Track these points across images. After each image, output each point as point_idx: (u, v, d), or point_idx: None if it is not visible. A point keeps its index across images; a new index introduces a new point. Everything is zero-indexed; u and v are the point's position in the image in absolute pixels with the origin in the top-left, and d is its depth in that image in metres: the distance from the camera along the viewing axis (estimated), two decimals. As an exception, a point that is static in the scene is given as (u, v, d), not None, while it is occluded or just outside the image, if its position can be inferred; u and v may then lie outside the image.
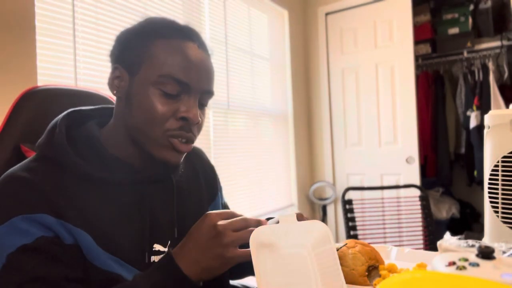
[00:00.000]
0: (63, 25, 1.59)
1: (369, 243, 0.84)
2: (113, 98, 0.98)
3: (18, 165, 0.67)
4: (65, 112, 0.73)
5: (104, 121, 0.76)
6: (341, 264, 0.77)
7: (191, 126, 0.69)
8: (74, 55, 1.62)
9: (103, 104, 0.85)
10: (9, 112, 0.82)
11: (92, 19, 1.70)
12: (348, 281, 0.75)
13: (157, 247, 0.72)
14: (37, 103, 0.85)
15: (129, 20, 1.86)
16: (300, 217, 0.71)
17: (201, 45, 0.71)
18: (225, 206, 0.95)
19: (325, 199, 3.36)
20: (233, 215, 0.64)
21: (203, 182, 0.86)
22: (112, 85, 0.71)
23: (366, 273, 0.76)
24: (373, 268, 0.78)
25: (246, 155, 2.70)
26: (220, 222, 0.62)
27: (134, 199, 0.69)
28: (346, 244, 0.81)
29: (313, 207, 3.44)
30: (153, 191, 0.72)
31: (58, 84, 0.99)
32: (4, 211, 0.61)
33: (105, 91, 0.91)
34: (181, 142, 0.69)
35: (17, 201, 0.61)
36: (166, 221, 0.74)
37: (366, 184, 3.18)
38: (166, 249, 0.72)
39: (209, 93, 0.72)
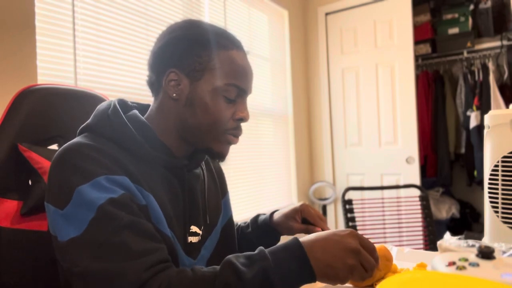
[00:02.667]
0: (63, 25, 1.59)
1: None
2: (108, 98, 0.99)
3: (77, 139, 0.70)
4: (114, 99, 0.79)
5: (141, 113, 0.82)
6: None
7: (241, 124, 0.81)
8: (74, 55, 1.62)
9: (99, 103, 0.89)
10: (6, 110, 0.82)
11: (92, 19, 1.70)
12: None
13: (194, 228, 0.80)
14: (34, 102, 0.85)
15: (129, 20, 1.86)
16: (305, 209, 0.86)
17: (246, 52, 0.82)
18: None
19: (325, 199, 3.36)
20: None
21: (217, 179, 0.95)
22: (167, 86, 0.76)
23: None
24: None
25: (246, 155, 2.70)
26: (358, 242, 0.64)
27: (177, 182, 0.78)
28: None
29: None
30: (190, 178, 0.81)
31: (54, 83, 0.99)
32: (87, 171, 0.64)
33: (102, 91, 0.91)
34: (235, 137, 0.80)
35: (97, 163, 0.66)
36: (199, 207, 0.82)
37: (366, 184, 3.18)
38: (201, 232, 0.81)
39: (251, 92, 0.83)
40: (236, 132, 0.80)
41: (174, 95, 0.76)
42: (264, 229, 0.95)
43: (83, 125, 0.75)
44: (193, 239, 0.79)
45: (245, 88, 0.78)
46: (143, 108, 0.85)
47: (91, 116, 0.76)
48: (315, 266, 0.61)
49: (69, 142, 0.70)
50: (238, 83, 0.77)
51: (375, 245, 0.81)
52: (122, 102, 0.80)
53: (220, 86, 0.75)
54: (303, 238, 0.65)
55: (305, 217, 0.92)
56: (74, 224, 0.62)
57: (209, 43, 0.75)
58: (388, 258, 0.79)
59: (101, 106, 0.77)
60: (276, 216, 0.95)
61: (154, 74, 0.78)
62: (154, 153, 0.74)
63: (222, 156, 0.81)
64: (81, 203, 0.62)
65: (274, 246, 0.64)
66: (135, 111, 0.78)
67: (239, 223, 1.03)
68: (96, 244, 0.60)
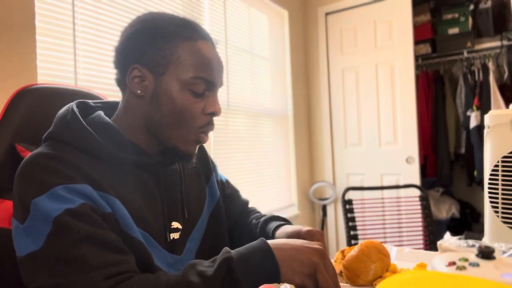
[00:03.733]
0: (63, 25, 1.59)
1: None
2: (106, 98, 0.99)
3: (39, 149, 0.68)
4: (73, 103, 0.76)
5: (107, 113, 0.79)
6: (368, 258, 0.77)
7: (213, 119, 0.77)
8: (74, 55, 1.62)
9: None
10: (4, 110, 0.82)
11: (92, 19, 1.70)
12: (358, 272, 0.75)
13: (175, 224, 0.77)
14: (31, 102, 0.84)
15: (129, 20, 1.86)
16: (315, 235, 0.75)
17: (212, 41, 0.77)
18: (221, 183, 0.97)
19: (325, 199, 3.35)
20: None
21: (199, 167, 0.91)
22: (131, 83, 0.73)
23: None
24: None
25: (246, 155, 2.70)
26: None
27: (152, 180, 0.75)
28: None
29: (313, 207, 3.44)
30: (165, 174, 0.77)
31: (52, 82, 0.99)
32: (44, 182, 0.62)
33: (102, 91, 0.91)
34: (206, 135, 0.76)
35: (56, 173, 0.63)
36: (178, 202, 0.79)
37: (366, 184, 3.18)
38: (181, 226, 0.78)
39: (221, 85, 0.79)
40: (207, 129, 0.76)
41: (139, 91, 0.73)
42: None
43: (45, 134, 0.73)
44: (175, 235, 0.77)
45: (213, 80, 0.74)
46: (110, 106, 0.82)
47: (52, 124, 0.73)
48: (279, 257, 0.59)
49: (32, 153, 0.67)
50: (205, 76, 0.73)
51: (372, 240, 0.81)
52: (83, 105, 0.77)
53: (186, 80, 0.71)
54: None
55: None
56: (33, 238, 0.59)
57: (171, 35, 0.72)
58: (384, 253, 0.78)
59: (60, 112, 0.74)
60: (278, 235, 0.83)
61: (119, 71, 0.75)
62: (121, 154, 0.71)
63: (188, 156, 0.77)
64: (38, 216, 0.60)
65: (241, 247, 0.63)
66: (99, 112, 0.76)
67: (253, 215, 0.96)
68: (53, 259, 0.57)
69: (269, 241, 0.62)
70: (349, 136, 3.30)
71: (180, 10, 2.18)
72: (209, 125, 0.76)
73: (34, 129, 0.85)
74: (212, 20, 2.43)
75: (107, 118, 0.75)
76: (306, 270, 0.59)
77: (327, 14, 3.38)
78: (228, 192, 0.99)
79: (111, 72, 1.75)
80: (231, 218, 0.96)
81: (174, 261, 0.75)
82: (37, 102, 0.85)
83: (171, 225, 0.76)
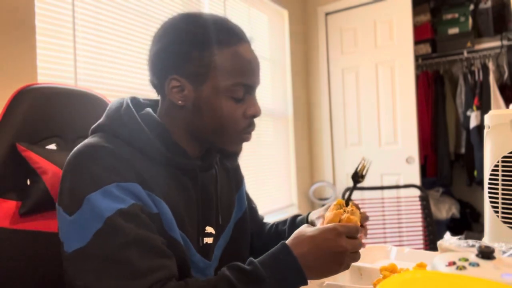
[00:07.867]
0: (63, 25, 1.59)
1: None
2: (106, 97, 0.98)
3: (92, 140, 0.68)
4: (127, 97, 0.76)
5: (154, 111, 0.79)
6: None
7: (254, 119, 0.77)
8: (74, 55, 1.62)
9: (97, 103, 0.90)
10: (4, 110, 0.82)
11: (92, 19, 1.70)
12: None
13: (209, 229, 0.78)
14: (31, 101, 0.84)
15: (129, 20, 1.86)
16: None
17: (249, 41, 0.75)
18: (247, 196, 0.99)
19: (325, 199, 3.35)
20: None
21: (231, 174, 0.93)
22: (171, 94, 0.72)
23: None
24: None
25: (246, 155, 2.70)
26: (345, 238, 0.66)
27: (190, 183, 0.75)
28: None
29: (313, 207, 3.44)
30: (203, 179, 0.78)
31: (52, 82, 0.99)
32: (98, 177, 0.62)
33: (102, 91, 0.90)
34: (249, 134, 0.77)
35: (109, 169, 0.63)
36: (213, 207, 0.80)
37: (366, 184, 3.17)
38: (215, 232, 0.79)
39: (259, 84, 0.78)
40: (249, 130, 0.76)
41: (180, 102, 0.72)
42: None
43: (95, 125, 0.73)
44: (208, 240, 0.77)
45: (253, 83, 0.74)
46: (156, 104, 0.81)
47: (103, 116, 0.73)
48: (309, 274, 0.64)
49: (83, 143, 0.67)
50: (245, 81, 0.72)
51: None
52: (134, 100, 0.77)
53: (226, 88, 0.70)
54: (292, 243, 0.66)
55: None
56: (80, 233, 0.60)
57: (208, 43, 0.69)
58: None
59: (113, 105, 0.74)
60: (314, 212, 0.89)
61: (155, 78, 0.74)
62: (168, 154, 0.71)
63: (235, 156, 0.79)
64: (90, 212, 0.60)
65: (267, 258, 0.65)
66: (149, 110, 0.75)
67: (275, 222, 1.00)
68: (100, 258, 0.59)
69: (298, 255, 0.64)
70: (349, 136, 3.29)
71: (180, 10, 2.19)
72: (251, 126, 0.76)
73: (35, 128, 0.85)
74: (212, 20, 2.43)
75: (157, 117, 0.75)
76: (334, 273, 0.66)
77: (327, 14, 3.37)
78: (254, 206, 1.01)
79: (111, 72, 1.76)
80: (252, 230, 0.97)
81: (205, 266, 0.75)
82: (37, 101, 0.85)
83: (205, 230, 0.76)
